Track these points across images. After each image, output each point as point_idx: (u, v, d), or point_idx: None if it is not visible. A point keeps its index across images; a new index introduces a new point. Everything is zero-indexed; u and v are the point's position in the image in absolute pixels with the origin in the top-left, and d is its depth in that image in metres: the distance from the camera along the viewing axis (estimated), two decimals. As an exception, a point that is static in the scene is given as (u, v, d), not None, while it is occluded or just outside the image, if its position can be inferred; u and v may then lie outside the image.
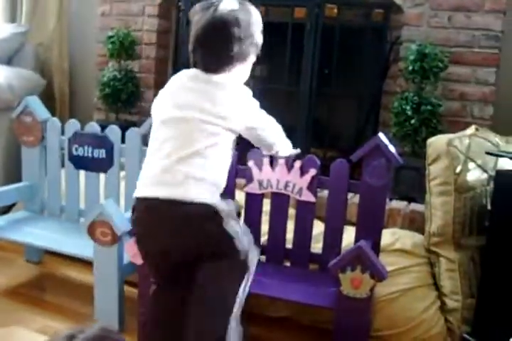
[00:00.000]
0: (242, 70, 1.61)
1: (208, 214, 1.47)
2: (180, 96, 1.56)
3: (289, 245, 2.06)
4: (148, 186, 1.52)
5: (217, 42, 1.54)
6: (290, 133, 1.84)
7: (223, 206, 1.52)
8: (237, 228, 1.52)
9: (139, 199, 1.53)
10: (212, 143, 1.50)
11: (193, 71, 1.59)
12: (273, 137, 1.71)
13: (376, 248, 1.87)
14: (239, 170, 2.04)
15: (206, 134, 1.49)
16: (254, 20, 1.59)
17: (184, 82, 1.58)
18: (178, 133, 1.51)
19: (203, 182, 1.48)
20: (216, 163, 1.52)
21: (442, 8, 2.77)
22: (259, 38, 1.61)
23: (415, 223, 2.37)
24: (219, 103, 1.51)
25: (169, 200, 1.46)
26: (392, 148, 1.85)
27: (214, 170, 1.51)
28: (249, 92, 1.61)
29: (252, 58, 1.62)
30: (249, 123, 1.58)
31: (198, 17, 1.55)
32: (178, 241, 1.49)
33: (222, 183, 1.56)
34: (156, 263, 1.60)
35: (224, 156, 1.55)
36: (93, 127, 2.31)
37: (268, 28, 1.69)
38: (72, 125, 2.36)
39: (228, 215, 1.51)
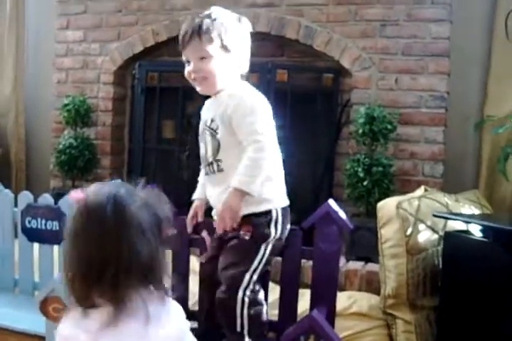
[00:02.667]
0: None
1: None
2: None
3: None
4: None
5: None
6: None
7: None
8: None
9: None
10: None
11: None
12: None
13: (331, 313, 1.87)
14: (193, 239, 2.04)
15: None
16: None
17: None
18: None
19: None
20: None
21: (389, 71, 2.88)
22: None
23: (373, 283, 2.38)
24: None
25: None
26: (342, 214, 1.87)
27: None
28: None
29: None
30: None
31: None
32: None
33: None
34: None
35: None
36: (46, 199, 2.29)
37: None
38: (25, 197, 2.34)
39: None
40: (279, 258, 1.96)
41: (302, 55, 3.11)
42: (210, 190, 1.85)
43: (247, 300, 1.75)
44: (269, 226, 1.76)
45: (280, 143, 1.86)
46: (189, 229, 1.94)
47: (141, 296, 1.13)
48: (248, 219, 1.73)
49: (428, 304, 2.09)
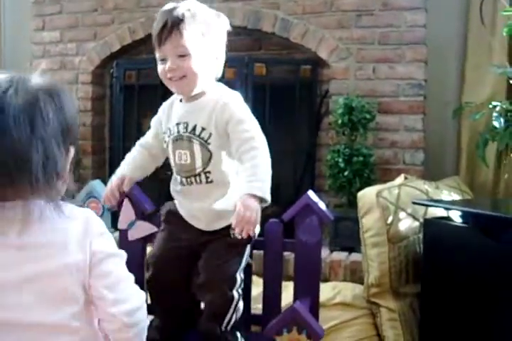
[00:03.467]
0: None
1: None
2: None
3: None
4: None
5: None
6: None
7: None
8: None
9: None
10: None
11: None
12: None
13: (315, 305, 1.88)
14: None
15: None
16: None
17: None
18: None
19: None
20: None
21: (366, 61, 2.88)
22: None
23: (357, 273, 2.40)
24: None
25: None
26: (322, 205, 1.88)
27: None
28: None
29: None
30: None
31: None
32: None
33: None
34: None
35: None
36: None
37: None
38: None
39: None
40: (261, 252, 1.96)
41: (279, 47, 3.11)
42: (187, 204, 1.76)
43: (241, 299, 1.76)
44: None
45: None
46: (113, 201, 1.78)
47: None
48: None
49: (411, 291, 2.10)
